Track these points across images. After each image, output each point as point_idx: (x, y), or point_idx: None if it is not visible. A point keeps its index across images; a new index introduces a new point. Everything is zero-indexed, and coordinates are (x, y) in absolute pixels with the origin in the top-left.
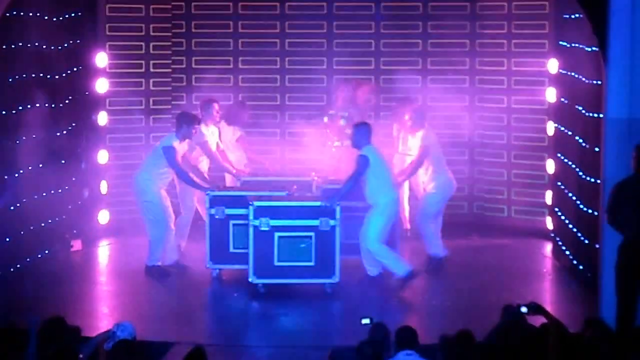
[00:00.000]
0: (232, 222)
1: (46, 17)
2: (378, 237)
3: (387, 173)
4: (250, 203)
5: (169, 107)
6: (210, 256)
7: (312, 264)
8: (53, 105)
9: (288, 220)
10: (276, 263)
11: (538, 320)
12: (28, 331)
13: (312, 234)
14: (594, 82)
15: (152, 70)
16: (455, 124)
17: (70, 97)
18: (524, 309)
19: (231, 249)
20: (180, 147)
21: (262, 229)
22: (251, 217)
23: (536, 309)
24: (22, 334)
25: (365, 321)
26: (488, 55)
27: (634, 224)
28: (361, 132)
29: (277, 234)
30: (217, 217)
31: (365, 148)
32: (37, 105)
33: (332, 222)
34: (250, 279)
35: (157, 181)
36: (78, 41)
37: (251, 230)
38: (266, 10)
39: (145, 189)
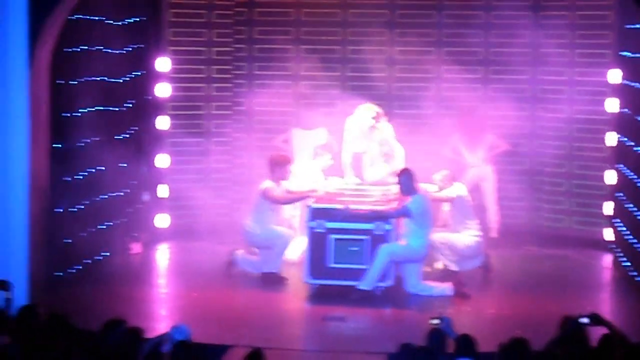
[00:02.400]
0: (332, 236)
1: (111, 21)
2: (418, 280)
3: (427, 221)
4: (308, 205)
5: (230, 112)
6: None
7: (366, 267)
8: (116, 109)
9: (344, 223)
10: (331, 265)
11: (598, 332)
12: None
13: (366, 237)
14: None
15: (214, 75)
16: (516, 134)
17: (132, 101)
18: (584, 320)
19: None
20: (278, 189)
21: (318, 230)
22: (308, 218)
23: (597, 319)
24: (90, 335)
25: (435, 321)
26: (550, 65)
27: None
28: (406, 179)
29: (332, 236)
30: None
31: (414, 198)
32: (100, 108)
33: (386, 227)
34: (305, 279)
35: (265, 223)
36: (142, 46)
37: (308, 231)
38: (328, 17)
39: (256, 232)
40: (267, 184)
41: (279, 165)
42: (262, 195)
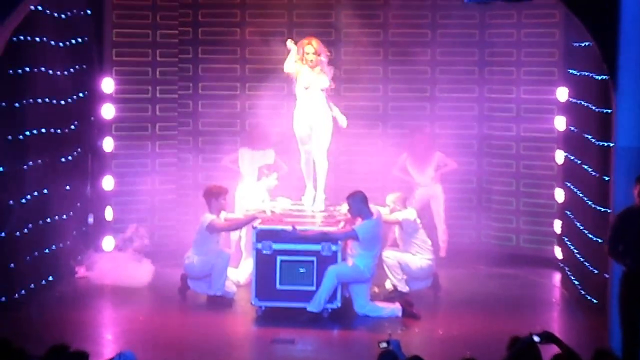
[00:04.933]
0: (279, 257)
1: (53, 43)
2: (367, 301)
3: (375, 245)
4: (254, 226)
5: (175, 132)
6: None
7: (313, 288)
8: (59, 131)
9: (290, 245)
10: (278, 286)
11: (549, 351)
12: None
13: (313, 258)
14: (604, 110)
15: (158, 95)
16: (464, 152)
17: (76, 122)
18: (536, 338)
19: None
20: (220, 219)
21: (265, 252)
22: (254, 240)
23: (549, 337)
24: None
25: (383, 345)
26: (497, 83)
27: (635, 254)
28: (356, 202)
29: (279, 258)
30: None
31: (364, 223)
32: (44, 130)
33: (333, 248)
34: (252, 302)
35: (205, 253)
36: (84, 66)
37: (254, 253)
38: (272, 36)
39: (202, 268)
40: (209, 217)
41: (214, 196)
42: (208, 229)
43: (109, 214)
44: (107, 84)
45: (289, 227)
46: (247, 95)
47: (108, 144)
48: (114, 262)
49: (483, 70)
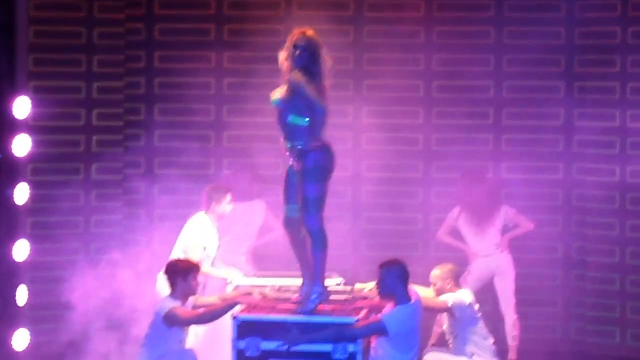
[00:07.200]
0: None
1: None
2: None
3: (411, 343)
4: (234, 316)
5: (120, 177)
6: None
7: None
8: None
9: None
10: None
11: None
12: None
13: None
14: None
15: (95, 123)
16: (544, 206)
17: None
18: None
19: None
20: (185, 307)
21: (250, 354)
22: (233, 336)
23: None
24: None
25: None
26: (592, 105)
27: None
28: (391, 276)
29: None
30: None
31: (397, 310)
32: None
33: (351, 348)
34: None
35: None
36: None
37: (234, 356)
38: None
39: None
40: (169, 303)
41: (181, 274)
42: (166, 320)
43: (22, 294)
44: (21, 106)
45: (288, 317)
46: (225, 122)
47: (21, 193)
48: None
49: (571, 86)
